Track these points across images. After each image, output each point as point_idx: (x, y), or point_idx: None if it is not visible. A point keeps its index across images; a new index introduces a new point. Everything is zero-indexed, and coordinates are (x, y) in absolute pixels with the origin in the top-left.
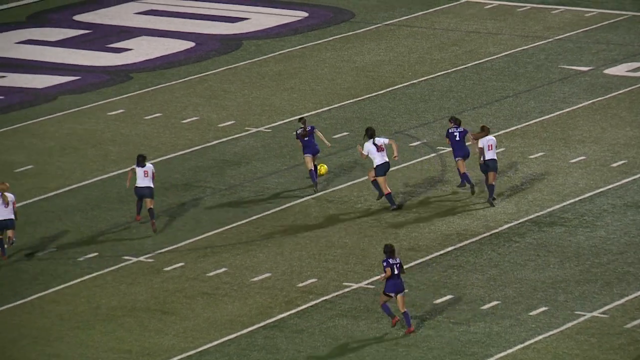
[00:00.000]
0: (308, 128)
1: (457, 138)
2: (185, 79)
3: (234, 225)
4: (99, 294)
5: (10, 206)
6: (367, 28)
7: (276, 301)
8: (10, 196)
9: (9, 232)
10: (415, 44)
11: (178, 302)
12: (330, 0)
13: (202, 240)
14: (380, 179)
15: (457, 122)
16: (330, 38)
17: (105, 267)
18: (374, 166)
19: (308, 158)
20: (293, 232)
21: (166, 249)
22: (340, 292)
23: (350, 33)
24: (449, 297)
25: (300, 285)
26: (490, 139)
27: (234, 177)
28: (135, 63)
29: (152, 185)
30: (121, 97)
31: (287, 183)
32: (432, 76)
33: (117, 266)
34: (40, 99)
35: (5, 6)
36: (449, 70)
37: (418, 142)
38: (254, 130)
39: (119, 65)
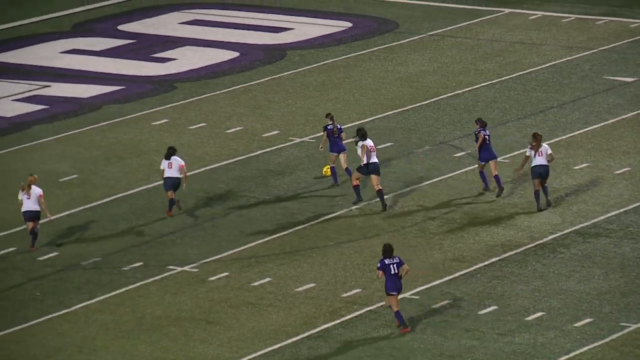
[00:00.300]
0: (338, 126)
1: (488, 141)
2: (230, 88)
3: (278, 235)
4: (144, 304)
5: (35, 198)
6: (411, 38)
7: (320, 311)
8: (36, 190)
9: (32, 224)
10: (460, 55)
11: (223, 312)
12: (374, 10)
13: (247, 250)
14: (357, 175)
15: (483, 124)
16: (375, 48)
17: (149, 276)
18: (362, 164)
19: (333, 156)
20: (337, 242)
21: (211, 258)
22: (384, 302)
23: (395, 43)
24: (493, 308)
25: (345, 295)
26: (543, 146)
27: (278, 187)
28: (179, 73)
29: (178, 176)
30: (165, 107)
31: (332, 193)
32: (476, 87)
33: (161, 276)
34: (85, 108)
35: (50, 15)
36: (493, 81)
37: (462, 153)
38: (298, 140)
39: (163, 75)
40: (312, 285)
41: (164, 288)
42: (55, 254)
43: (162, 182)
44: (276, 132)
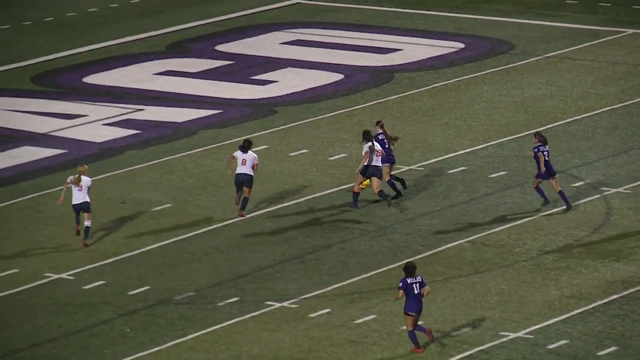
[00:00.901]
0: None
1: (547, 157)
2: (333, 113)
3: (383, 269)
4: (240, 342)
5: (85, 190)
6: (527, 60)
7: (428, 351)
8: (86, 180)
9: (85, 216)
10: (579, 78)
11: (324, 350)
12: (488, 30)
13: (350, 285)
14: (360, 178)
15: (543, 139)
16: (488, 71)
17: (246, 312)
18: (365, 164)
19: (386, 168)
20: (446, 277)
21: (311, 294)
22: (497, 342)
23: (509, 66)
24: (613, 348)
25: (454, 334)
26: None
27: (384, 218)
28: (280, 96)
29: (251, 174)
30: (265, 132)
31: (441, 225)
32: (596, 112)
33: (259, 312)
34: (180, 133)
35: (143, 35)
36: (615, 106)
37: (581, 183)
38: (406, 168)
39: (262, 99)
40: (419, 323)
41: (262, 325)
42: (147, 287)
43: (259, 212)
44: None
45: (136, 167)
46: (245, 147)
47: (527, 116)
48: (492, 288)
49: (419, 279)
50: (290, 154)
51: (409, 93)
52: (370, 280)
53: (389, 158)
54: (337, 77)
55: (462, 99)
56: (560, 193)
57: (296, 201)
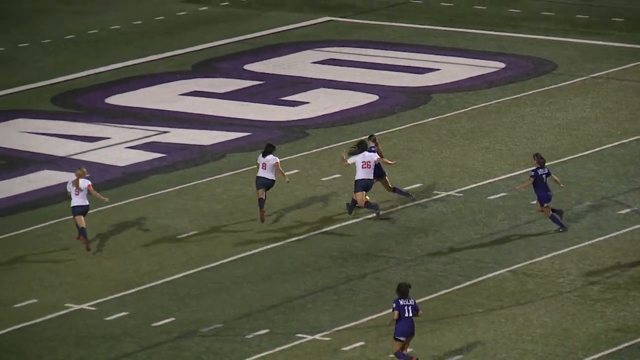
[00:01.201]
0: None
1: (545, 180)
2: (366, 135)
3: (419, 300)
4: None
5: (84, 192)
6: (571, 81)
7: None
8: (84, 182)
9: (82, 219)
10: (626, 100)
11: None
12: (530, 49)
13: (385, 317)
14: (359, 195)
15: (542, 161)
16: (530, 92)
17: (276, 345)
18: (356, 179)
19: (384, 181)
20: (486, 309)
21: (345, 326)
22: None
23: (552, 87)
24: None
25: None
26: None
27: (420, 247)
28: (312, 118)
29: (272, 178)
30: (296, 155)
31: (480, 254)
32: None
33: (290, 345)
34: (207, 157)
35: (168, 53)
36: None
37: (628, 210)
38: (444, 194)
39: (293, 121)
40: (458, 357)
41: (293, 358)
42: (172, 319)
43: (288, 240)
44: (419, 184)
45: (161, 192)
46: (267, 151)
47: (571, 140)
48: (534, 320)
49: (411, 301)
50: (323, 179)
51: (446, 115)
52: None
53: (382, 171)
54: (372, 98)
55: (503, 122)
56: (552, 217)
57: (329, 228)
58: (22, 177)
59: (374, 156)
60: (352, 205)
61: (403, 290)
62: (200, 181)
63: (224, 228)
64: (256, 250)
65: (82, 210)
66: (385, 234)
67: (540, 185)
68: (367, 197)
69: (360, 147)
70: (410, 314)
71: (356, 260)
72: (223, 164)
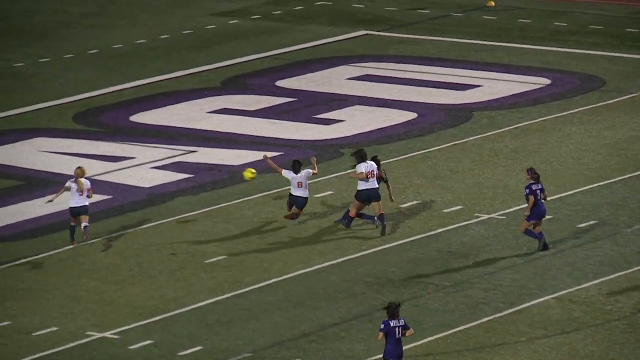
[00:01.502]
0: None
1: (539, 196)
2: (406, 155)
3: (460, 328)
4: None
5: (85, 193)
6: (621, 98)
7: None
8: (86, 182)
9: (83, 218)
10: None
11: None
12: (577, 65)
13: (423, 346)
14: (357, 204)
15: (536, 177)
16: (577, 109)
17: None
18: (357, 190)
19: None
20: (530, 338)
21: (380, 355)
22: None
23: (601, 104)
24: None
25: None
26: None
27: (460, 272)
28: (347, 137)
29: (307, 196)
30: (330, 176)
31: (524, 280)
32: None
33: None
34: (236, 177)
35: (196, 69)
36: None
37: None
38: (485, 217)
39: (328, 140)
40: None
41: None
42: (199, 348)
43: (321, 265)
44: (459, 207)
45: (188, 214)
46: (297, 167)
47: (620, 160)
48: (580, 350)
49: (402, 321)
50: None
51: (489, 134)
52: (445, 341)
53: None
54: (410, 115)
55: (548, 141)
56: (541, 234)
57: (363, 253)
58: (42, 199)
59: (375, 166)
60: (350, 219)
61: (392, 312)
62: (229, 203)
63: (254, 252)
64: (287, 276)
65: (84, 210)
66: (423, 259)
67: (534, 201)
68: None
69: (359, 155)
70: (400, 335)
71: (392, 287)
72: (253, 185)
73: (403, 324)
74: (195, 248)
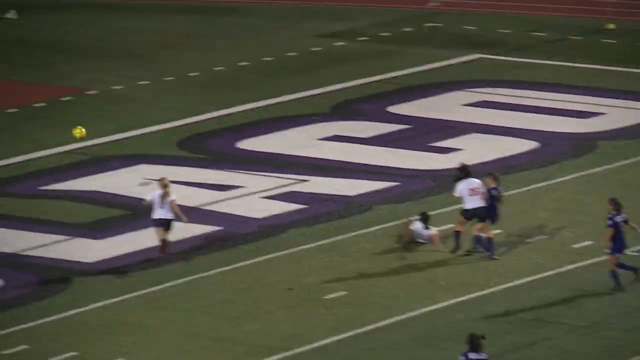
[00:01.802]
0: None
1: (622, 228)
2: (529, 187)
3: None
4: None
5: (168, 205)
6: None
7: None
8: (172, 196)
9: (167, 231)
10: None
11: None
12: None
13: None
14: (463, 222)
15: (618, 207)
16: None
17: None
18: (464, 209)
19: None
20: None
21: None
22: None
23: None
24: None
25: None
26: None
27: (597, 312)
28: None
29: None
30: (450, 208)
31: None
32: None
33: None
34: (352, 209)
35: (304, 93)
36: None
37: None
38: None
39: (443, 170)
40: None
41: None
42: None
43: (447, 303)
44: (589, 242)
45: (303, 247)
46: (425, 219)
47: None
48: None
49: (483, 355)
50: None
51: (615, 165)
52: None
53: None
54: (531, 145)
55: None
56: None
57: (491, 290)
58: (149, 229)
59: (478, 182)
60: (477, 242)
61: (474, 342)
62: (345, 236)
63: (375, 288)
64: (411, 314)
65: (167, 222)
66: (556, 298)
67: (617, 233)
68: (490, 233)
69: (463, 172)
70: None
71: (524, 326)
72: (370, 216)
73: (486, 357)
74: (312, 283)
